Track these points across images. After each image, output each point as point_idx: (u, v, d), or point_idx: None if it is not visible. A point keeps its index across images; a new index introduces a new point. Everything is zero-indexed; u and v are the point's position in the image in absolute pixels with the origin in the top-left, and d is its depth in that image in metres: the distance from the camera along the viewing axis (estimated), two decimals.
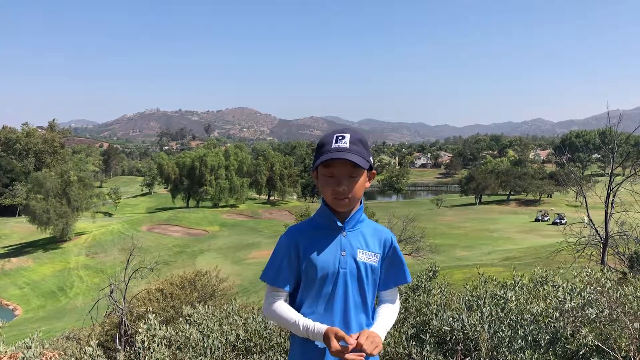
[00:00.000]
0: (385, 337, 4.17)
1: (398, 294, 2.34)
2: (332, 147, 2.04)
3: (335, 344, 1.93)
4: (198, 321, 4.99)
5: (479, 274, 4.80)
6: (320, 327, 2.02)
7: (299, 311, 2.16)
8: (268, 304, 2.19)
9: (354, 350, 1.93)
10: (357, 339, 1.95)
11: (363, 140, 2.10)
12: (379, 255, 2.20)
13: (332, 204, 2.12)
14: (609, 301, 3.73)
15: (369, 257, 2.17)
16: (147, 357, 4.14)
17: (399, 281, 2.28)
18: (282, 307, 2.15)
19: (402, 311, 4.92)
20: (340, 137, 2.06)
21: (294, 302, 2.21)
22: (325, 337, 1.98)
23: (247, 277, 39.94)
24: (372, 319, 2.22)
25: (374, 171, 2.19)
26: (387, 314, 2.23)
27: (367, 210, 37.53)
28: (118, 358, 4.43)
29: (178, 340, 4.55)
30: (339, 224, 2.15)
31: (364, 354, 1.93)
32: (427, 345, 3.81)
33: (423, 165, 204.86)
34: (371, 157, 2.13)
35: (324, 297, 2.13)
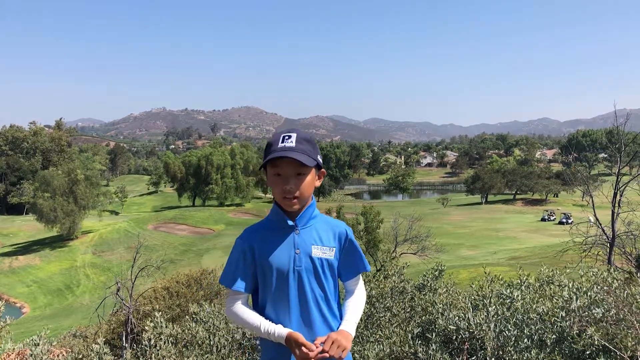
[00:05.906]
0: (391, 335, 4.19)
1: (361, 280, 2.38)
2: (279, 146, 2.07)
3: (299, 352, 1.97)
4: (204, 319, 5.01)
5: (485, 273, 4.78)
6: (282, 331, 2.05)
7: (263, 311, 2.18)
8: (229, 307, 2.21)
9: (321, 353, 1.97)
10: (323, 344, 1.98)
11: (310, 139, 2.14)
12: (334, 248, 2.22)
13: (282, 204, 2.15)
14: (616, 301, 3.72)
15: (324, 252, 2.19)
16: (153, 354, 4.16)
17: (359, 270, 2.31)
18: (243, 311, 2.17)
19: (408, 310, 4.93)
20: (286, 137, 2.09)
21: (257, 302, 2.23)
22: (287, 342, 2.02)
23: None
24: (340, 311, 2.25)
25: (323, 170, 2.23)
26: (354, 306, 2.26)
27: (373, 209, 37.60)
28: (125, 355, 4.46)
29: (184, 338, 4.57)
30: (290, 222, 2.17)
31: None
32: (433, 344, 3.81)
33: (429, 165, 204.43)
34: (319, 156, 2.16)
35: (282, 296, 2.15)
